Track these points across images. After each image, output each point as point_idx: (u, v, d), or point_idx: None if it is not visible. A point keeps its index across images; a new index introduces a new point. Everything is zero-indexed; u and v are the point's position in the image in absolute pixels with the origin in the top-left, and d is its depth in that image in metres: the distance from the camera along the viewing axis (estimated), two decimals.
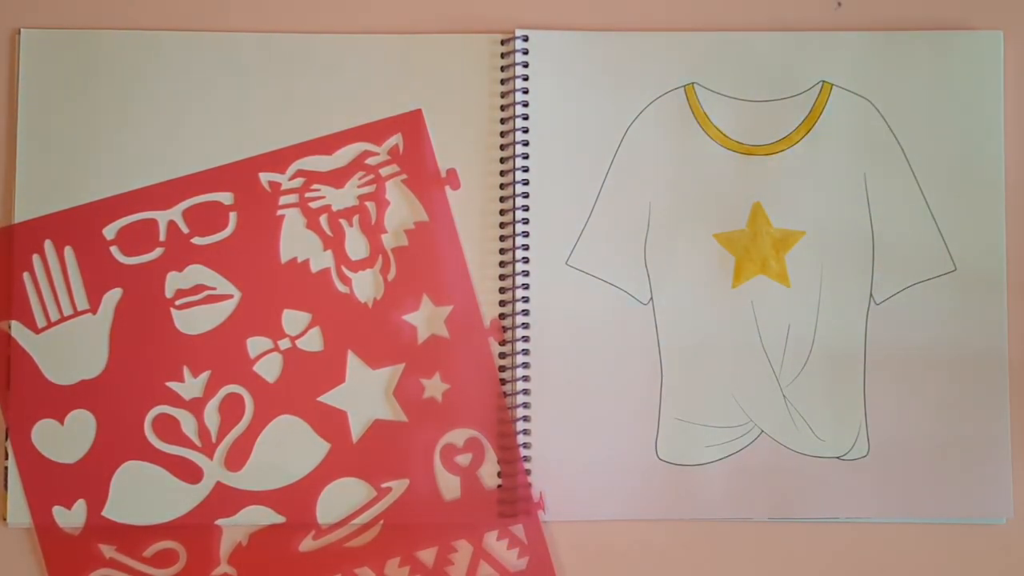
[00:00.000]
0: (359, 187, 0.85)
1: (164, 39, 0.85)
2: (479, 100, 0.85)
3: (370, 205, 0.84)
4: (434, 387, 0.83)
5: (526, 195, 0.84)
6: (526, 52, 0.85)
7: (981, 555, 0.84)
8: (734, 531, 0.84)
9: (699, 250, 0.85)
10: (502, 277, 0.84)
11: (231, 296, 0.84)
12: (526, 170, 0.84)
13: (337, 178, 0.85)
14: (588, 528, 0.83)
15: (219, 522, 0.83)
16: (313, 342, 0.84)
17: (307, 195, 0.84)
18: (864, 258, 0.85)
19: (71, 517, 0.82)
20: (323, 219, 0.84)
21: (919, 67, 0.85)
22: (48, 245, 0.83)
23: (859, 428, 0.84)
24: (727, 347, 0.84)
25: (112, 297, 0.83)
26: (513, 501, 0.83)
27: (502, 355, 0.84)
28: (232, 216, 0.84)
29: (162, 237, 0.84)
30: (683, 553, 0.84)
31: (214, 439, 0.83)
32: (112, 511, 0.82)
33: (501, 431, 0.83)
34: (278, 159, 0.84)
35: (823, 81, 0.85)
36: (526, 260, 0.84)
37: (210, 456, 0.83)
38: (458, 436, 0.83)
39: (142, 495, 0.82)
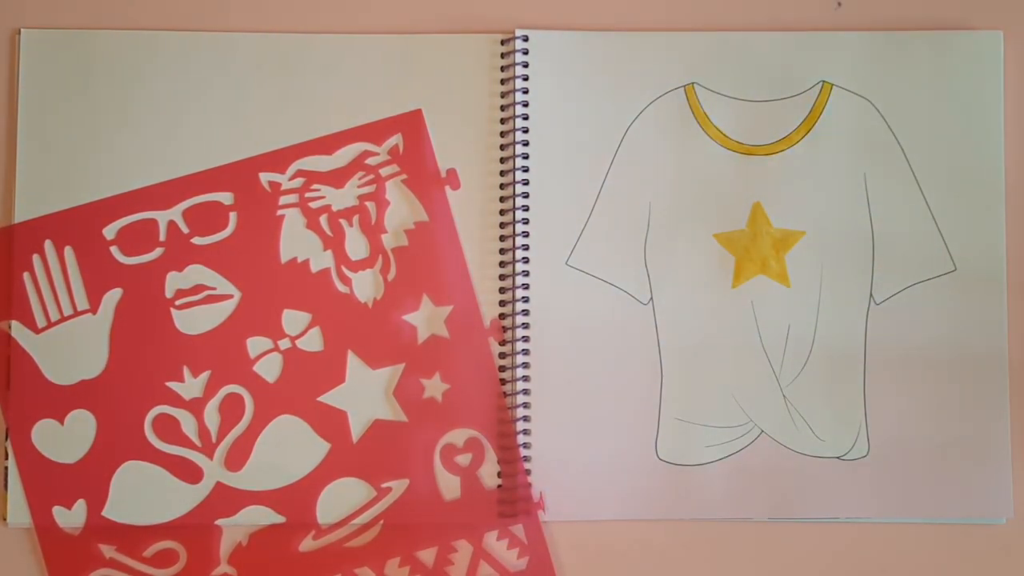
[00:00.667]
0: (359, 187, 0.84)
1: (164, 39, 0.85)
2: (479, 100, 0.85)
3: (370, 205, 0.84)
4: (434, 387, 0.83)
5: (526, 195, 0.84)
6: (526, 52, 0.85)
7: (981, 555, 0.84)
8: (734, 531, 0.84)
9: (699, 250, 0.85)
10: (502, 277, 0.84)
11: (231, 296, 0.84)
12: (526, 170, 0.84)
13: (337, 178, 0.84)
14: (588, 528, 0.83)
15: (219, 522, 0.83)
16: (313, 342, 0.84)
17: (307, 195, 0.84)
18: (864, 258, 0.85)
19: (71, 517, 0.82)
20: (323, 219, 0.84)
21: (919, 67, 0.85)
22: (48, 245, 0.83)
23: (859, 428, 0.84)
24: (727, 347, 0.84)
25: (112, 297, 0.83)
26: (513, 501, 0.83)
27: (502, 355, 0.84)
28: (232, 216, 0.84)
29: (162, 237, 0.84)
30: (683, 553, 0.84)
31: (214, 439, 0.83)
32: (112, 511, 0.82)
33: (501, 431, 0.83)
34: (278, 159, 0.84)
35: (823, 81, 0.85)
36: (526, 260, 0.84)
37: (210, 456, 0.83)
38: (458, 436, 0.83)
39: (142, 495, 0.82)
